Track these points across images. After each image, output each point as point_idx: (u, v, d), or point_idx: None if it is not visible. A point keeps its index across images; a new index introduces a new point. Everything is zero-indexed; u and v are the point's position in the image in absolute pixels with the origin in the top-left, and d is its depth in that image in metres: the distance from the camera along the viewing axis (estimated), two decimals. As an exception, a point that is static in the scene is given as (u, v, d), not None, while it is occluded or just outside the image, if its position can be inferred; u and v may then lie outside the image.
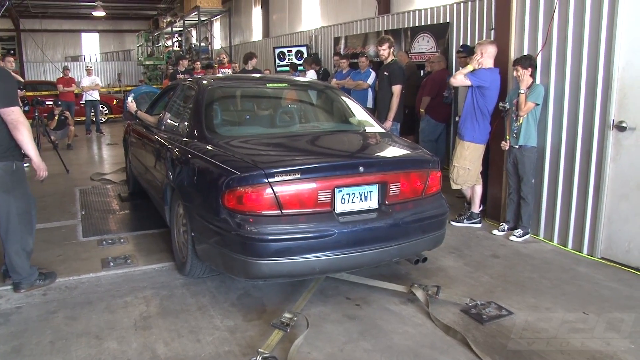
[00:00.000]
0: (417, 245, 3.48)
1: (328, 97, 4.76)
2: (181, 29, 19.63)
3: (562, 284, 3.69)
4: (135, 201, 5.83)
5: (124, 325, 3.07)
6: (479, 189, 5.02)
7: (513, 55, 4.72)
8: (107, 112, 14.75)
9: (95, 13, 23.52)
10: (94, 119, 12.57)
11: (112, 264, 3.97)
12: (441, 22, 7.56)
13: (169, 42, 21.98)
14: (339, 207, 3.18)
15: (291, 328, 2.91)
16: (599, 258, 4.14)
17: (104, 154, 10.11)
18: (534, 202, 4.60)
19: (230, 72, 10.64)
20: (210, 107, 4.01)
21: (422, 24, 8.03)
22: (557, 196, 4.47)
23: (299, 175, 3.05)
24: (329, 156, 3.61)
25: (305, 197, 3.09)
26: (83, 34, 29.89)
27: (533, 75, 4.46)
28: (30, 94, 13.00)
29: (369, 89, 7.02)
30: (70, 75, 12.55)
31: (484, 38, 6.17)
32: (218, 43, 20.86)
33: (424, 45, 7.90)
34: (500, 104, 4.68)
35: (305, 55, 11.65)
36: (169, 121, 4.46)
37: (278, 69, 12.74)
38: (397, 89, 5.69)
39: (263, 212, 3.02)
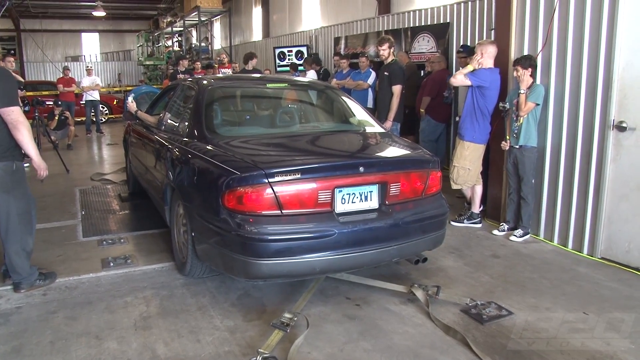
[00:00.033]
0: (417, 246, 3.48)
1: (328, 97, 4.76)
2: (181, 29, 19.63)
3: (562, 284, 3.69)
4: (136, 201, 5.83)
5: (124, 325, 3.07)
6: (479, 189, 5.02)
7: (513, 55, 4.72)
8: (107, 112, 14.76)
9: (96, 13, 23.54)
10: (94, 119, 12.57)
11: (112, 264, 3.97)
12: (441, 22, 7.56)
13: (169, 42, 21.98)
14: (339, 207, 3.17)
15: (291, 328, 2.91)
16: (599, 258, 4.14)
17: (104, 154, 10.12)
18: (534, 202, 4.60)
19: (231, 72, 10.64)
20: (210, 107, 4.01)
21: (422, 24, 8.03)
22: (558, 196, 4.47)
23: (299, 176, 3.05)
24: (329, 156, 3.61)
25: (305, 197, 3.09)
26: (83, 34, 29.91)
27: (533, 75, 4.46)
28: (31, 94, 13.00)
29: (369, 89, 7.02)
30: (70, 76, 12.55)
31: (484, 38, 6.17)
32: (218, 43, 20.86)
33: (424, 45, 7.90)
34: (500, 104, 4.68)
35: (306, 56, 11.65)
36: (169, 121, 4.46)
37: (278, 69, 12.74)
38: (397, 89, 5.69)
39: (263, 212, 3.02)
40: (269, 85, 4.90)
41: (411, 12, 8.34)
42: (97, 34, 30.23)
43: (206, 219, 3.21)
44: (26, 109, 10.69)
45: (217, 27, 22.48)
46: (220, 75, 9.17)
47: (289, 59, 12.38)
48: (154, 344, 2.87)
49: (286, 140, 3.85)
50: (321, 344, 2.87)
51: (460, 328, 3.02)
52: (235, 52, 18.72)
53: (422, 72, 7.52)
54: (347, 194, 3.19)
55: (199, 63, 12.40)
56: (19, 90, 4.16)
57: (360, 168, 3.22)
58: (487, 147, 4.95)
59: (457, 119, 5.31)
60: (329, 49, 11.31)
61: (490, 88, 4.66)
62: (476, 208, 5.05)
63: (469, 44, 6.60)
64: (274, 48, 13.21)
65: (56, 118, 9.90)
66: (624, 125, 3.88)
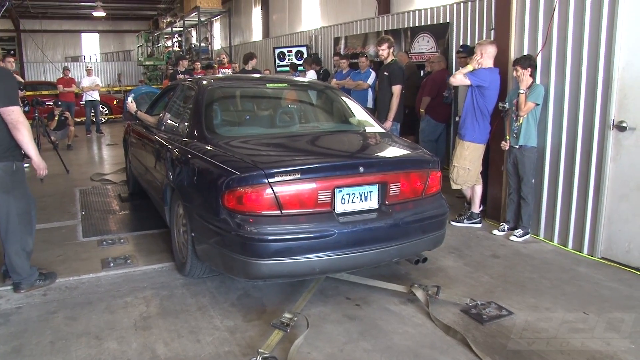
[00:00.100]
0: (417, 246, 3.48)
1: (328, 98, 4.76)
2: (181, 29, 19.62)
3: (562, 284, 3.69)
4: (135, 201, 5.83)
5: (124, 325, 3.07)
6: (479, 189, 5.02)
7: (513, 55, 4.72)
8: (107, 112, 14.77)
9: (95, 13, 23.54)
10: (94, 120, 12.58)
11: (112, 264, 3.97)
12: (441, 22, 7.56)
13: (169, 43, 21.97)
14: (339, 207, 3.17)
15: (291, 328, 2.91)
16: (599, 258, 4.14)
17: (104, 154, 10.12)
18: (534, 202, 4.60)
19: (230, 73, 10.64)
20: (210, 107, 4.00)
21: (422, 24, 8.03)
22: (557, 196, 4.47)
23: (298, 176, 3.05)
24: (329, 156, 3.61)
25: (305, 197, 3.08)
26: (83, 35, 29.90)
27: (533, 75, 4.46)
28: (30, 94, 13.01)
29: (369, 89, 7.02)
30: (70, 76, 12.55)
31: (484, 38, 6.17)
32: (218, 43, 20.87)
33: (424, 45, 7.90)
34: (500, 104, 4.68)
35: (305, 56, 11.65)
36: (168, 121, 4.46)
37: (278, 69, 12.74)
38: (397, 89, 5.69)
39: (263, 213, 3.02)
40: (268, 85, 4.90)
41: (411, 12, 8.34)
42: (97, 34, 30.22)
43: (206, 219, 3.21)
44: (26, 109, 10.70)
45: (216, 27, 22.48)
46: (220, 75, 9.17)
47: (288, 59, 12.38)
48: (154, 344, 2.87)
49: (286, 140, 3.85)
50: (321, 344, 2.87)
51: (460, 328, 3.02)
52: (235, 52, 18.73)
53: (422, 72, 7.53)
54: (347, 194, 3.19)
55: (198, 63, 12.41)
56: (19, 91, 4.16)
57: (360, 168, 3.22)
58: (487, 147, 4.96)
59: (457, 119, 5.31)
60: (329, 49, 11.31)
61: (490, 88, 4.66)
62: (476, 208, 5.05)
63: (468, 44, 6.60)
64: (274, 48, 13.21)
65: (56, 118, 9.90)
66: (624, 125, 3.88)
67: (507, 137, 4.65)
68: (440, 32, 7.55)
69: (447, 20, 7.38)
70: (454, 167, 4.94)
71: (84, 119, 12.69)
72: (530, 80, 4.44)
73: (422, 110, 6.52)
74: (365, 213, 3.24)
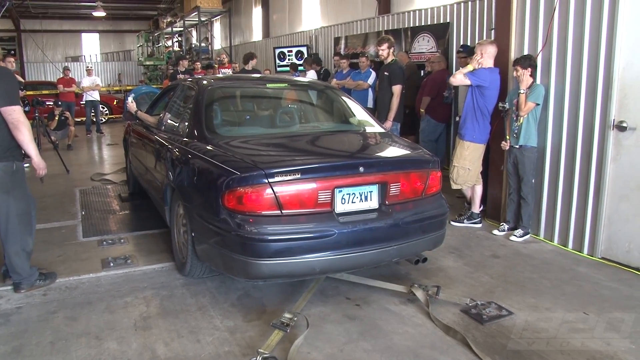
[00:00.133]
0: (417, 246, 3.48)
1: (328, 97, 4.76)
2: (181, 29, 19.63)
3: (562, 284, 3.69)
4: (136, 201, 5.83)
5: (124, 325, 3.07)
6: (479, 189, 5.02)
7: (513, 55, 4.72)
8: (107, 112, 14.76)
9: (96, 13, 23.52)
10: (94, 119, 12.57)
11: (112, 264, 3.97)
12: (441, 22, 7.56)
13: (169, 43, 21.98)
14: (339, 207, 3.17)
15: (291, 328, 2.91)
16: (599, 258, 4.14)
17: (104, 154, 10.12)
18: (534, 202, 4.60)
19: (231, 73, 10.64)
20: (210, 107, 4.00)
21: (422, 24, 8.03)
22: (558, 196, 4.47)
23: (299, 176, 3.05)
24: (329, 156, 3.61)
25: (305, 197, 3.08)
26: (83, 35, 29.91)
27: (533, 75, 4.46)
28: (31, 94, 13.01)
29: (369, 89, 7.02)
30: (70, 76, 12.56)
31: (484, 38, 6.17)
32: (218, 43, 20.87)
33: (424, 45, 7.90)
34: (500, 104, 4.68)
35: (306, 56, 11.65)
36: (169, 121, 4.46)
37: (278, 69, 12.74)
38: (397, 89, 5.69)
39: (263, 213, 3.02)
40: (268, 85, 4.90)
41: (411, 12, 8.34)
42: (97, 34, 30.23)
43: (206, 219, 3.21)
44: (26, 109, 10.68)
45: (217, 27, 22.49)
46: (220, 75, 9.17)
47: (289, 59, 12.38)
48: (154, 344, 2.87)
49: (286, 140, 3.85)
50: (321, 344, 2.87)
51: (460, 328, 3.02)
52: (235, 52, 18.73)
53: (422, 72, 7.52)
54: (347, 194, 3.19)
55: (199, 63, 12.40)
56: (19, 91, 4.16)
57: (360, 168, 3.22)
58: (487, 147, 4.95)
59: (457, 119, 5.31)
60: (329, 49, 11.31)
61: (490, 88, 4.66)
62: (476, 208, 5.05)
63: (469, 44, 6.60)
64: (274, 48, 13.21)
65: (56, 118, 9.90)
66: (624, 125, 3.88)
67: (507, 137, 4.64)
68: (440, 32, 7.55)
69: (448, 20, 7.38)
70: (454, 167, 4.94)
71: (84, 119, 12.69)
72: (531, 80, 4.44)
73: (422, 110, 6.52)
74: (365, 213, 3.24)
